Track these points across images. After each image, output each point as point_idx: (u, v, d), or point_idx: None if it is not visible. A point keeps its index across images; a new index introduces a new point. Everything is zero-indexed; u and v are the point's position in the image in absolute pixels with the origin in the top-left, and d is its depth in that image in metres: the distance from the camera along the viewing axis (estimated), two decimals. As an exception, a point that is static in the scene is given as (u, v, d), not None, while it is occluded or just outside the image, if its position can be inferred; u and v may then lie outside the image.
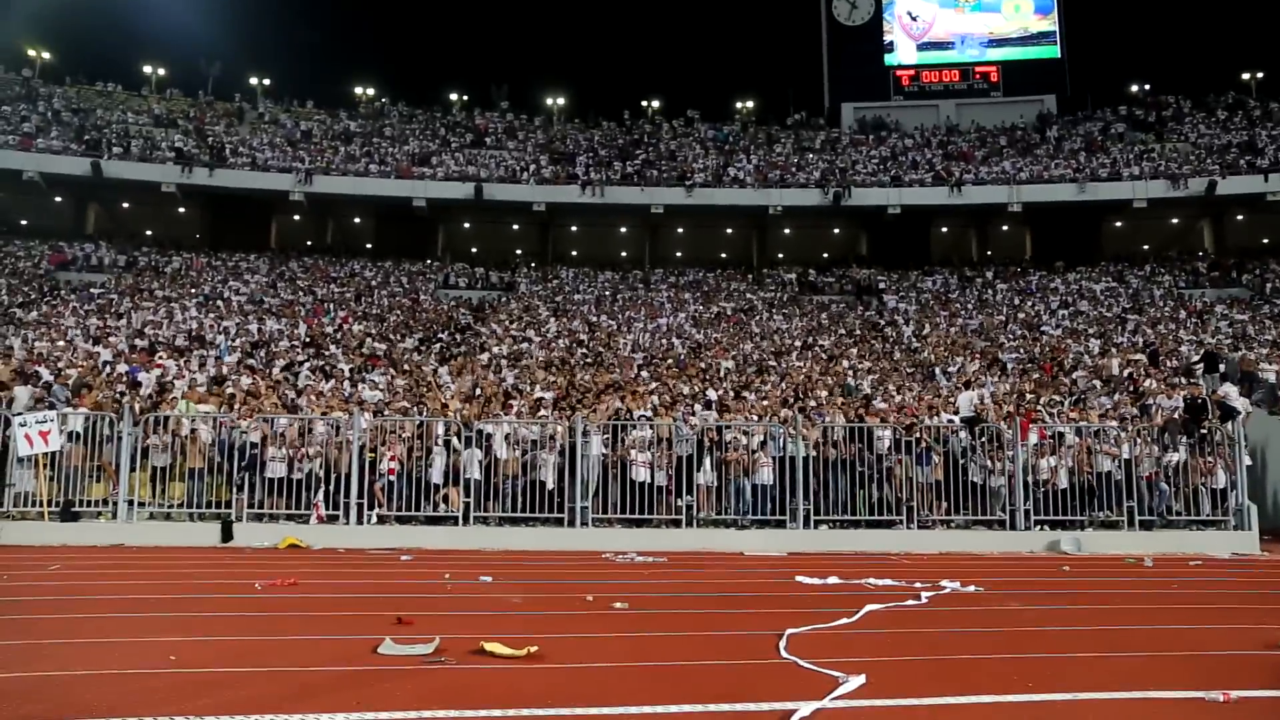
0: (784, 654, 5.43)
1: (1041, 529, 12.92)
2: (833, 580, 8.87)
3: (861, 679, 4.72)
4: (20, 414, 12.54)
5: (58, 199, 35.96)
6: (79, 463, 12.58)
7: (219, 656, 5.29)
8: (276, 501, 12.81)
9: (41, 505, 12.38)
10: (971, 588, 8.41)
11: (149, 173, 34.18)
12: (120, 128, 36.56)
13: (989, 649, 5.91)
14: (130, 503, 12.40)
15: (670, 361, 22.38)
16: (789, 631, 5.96)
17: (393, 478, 12.91)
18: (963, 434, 13.61)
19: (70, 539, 11.74)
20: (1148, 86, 42.21)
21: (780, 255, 39.85)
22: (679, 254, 40.44)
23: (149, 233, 37.18)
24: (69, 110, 37.09)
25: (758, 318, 30.41)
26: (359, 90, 43.51)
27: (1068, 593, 8.80)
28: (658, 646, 5.84)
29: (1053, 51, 42.92)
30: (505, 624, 6.38)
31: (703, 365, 21.93)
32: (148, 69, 41.58)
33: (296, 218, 38.36)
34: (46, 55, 40.24)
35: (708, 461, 13.24)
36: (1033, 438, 13.39)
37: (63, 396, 15.67)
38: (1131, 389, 18.26)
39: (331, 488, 12.75)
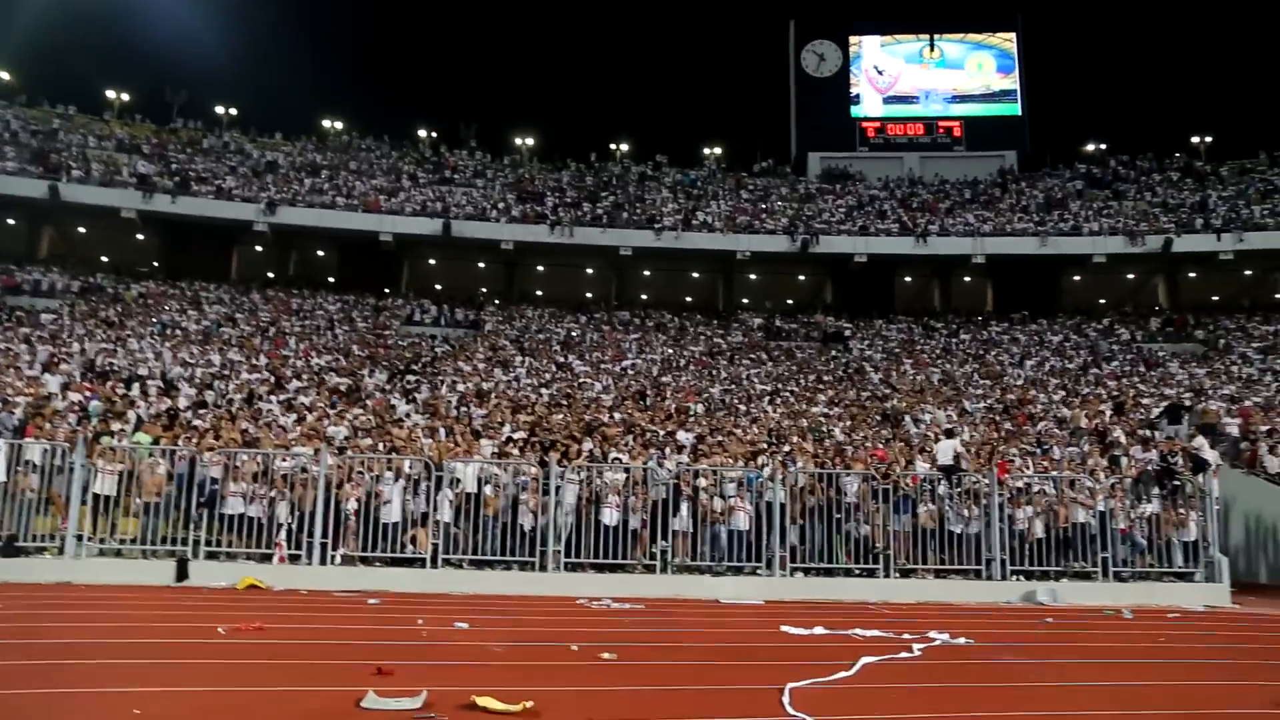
0: (790, 710, 5.18)
1: (1017, 579, 12.86)
2: (819, 630, 8.65)
3: (878, 739, 4.50)
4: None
5: (10, 221, 34.91)
6: (28, 493, 11.97)
7: (188, 710, 4.90)
8: (234, 539, 12.28)
9: (-17, 540, 11.72)
10: (961, 640, 8.24)
11: (109, 197, 33.28)
12: (80, 151, 35.74)
13: (996, 705, 5.72)
14: (79, 538, 11.80)
15: (643, 404, 22.14)
16: (790, 685, 5.72)
17: (354, 518, 12.47)
18: (941, 484, 13.56)
19: (12, 576, 11.08)
20: (1104, 146, 43.50)
21: (746, 300, 40.01)
22: (645, 296, 40.38)
23: (105, 259, 36.22)
24: (27, 131, 36.20)
25: (724, 361, 30.34)
26: (327, 123, 43.16)
27: (1057, 645, 8.67)
28: (657, 701, 5.56)
29: (1014, 109, 44.07)
30: (491, 675, 6.04)
31: (672, 408, 21.73)
32: (111, 94, 40.76)
33: (259, 248, 37.63)
34: (5, 75, 39.32)
35: (684, 507, 12.99)
36: (1006, 480, 13.38)
37: (10, 425, 15.03)
38: (1099, 440, 18.41)
39: (294, 526, 12.27)
